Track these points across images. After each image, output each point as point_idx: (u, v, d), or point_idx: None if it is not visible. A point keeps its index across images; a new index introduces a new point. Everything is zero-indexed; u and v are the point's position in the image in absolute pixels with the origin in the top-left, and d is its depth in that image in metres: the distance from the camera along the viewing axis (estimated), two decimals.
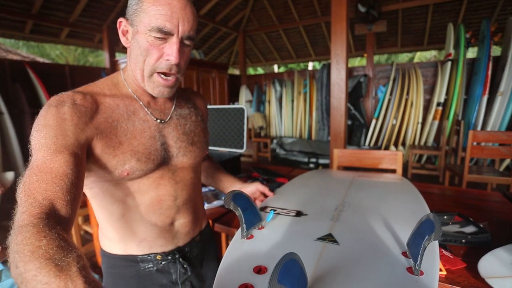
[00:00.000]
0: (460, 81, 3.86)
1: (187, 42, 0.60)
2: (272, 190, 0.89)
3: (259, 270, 0.45)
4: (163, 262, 0.70)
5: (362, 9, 4.51)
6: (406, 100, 4.44)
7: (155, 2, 0.55)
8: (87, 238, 2.35)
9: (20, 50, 9.01)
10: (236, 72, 7.84)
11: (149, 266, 0.69)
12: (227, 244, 0.56)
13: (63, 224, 0.42)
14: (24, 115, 3.19)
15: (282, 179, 1.49)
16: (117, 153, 0.58)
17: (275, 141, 5.37)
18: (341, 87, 2.56)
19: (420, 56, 10.64)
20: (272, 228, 0.62)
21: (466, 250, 0.82)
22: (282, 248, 0.52)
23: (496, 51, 4.05)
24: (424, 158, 4.31)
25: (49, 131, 0.50)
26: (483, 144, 2.87)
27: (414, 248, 0.45)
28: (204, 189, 1.32)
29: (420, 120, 4.35)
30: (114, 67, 4.41)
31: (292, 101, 5.59)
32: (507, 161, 3.49)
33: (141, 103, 0.65)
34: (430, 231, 0.40)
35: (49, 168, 0.46)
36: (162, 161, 0.65)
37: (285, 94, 5.61)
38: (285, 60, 7.19)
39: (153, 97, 0.67)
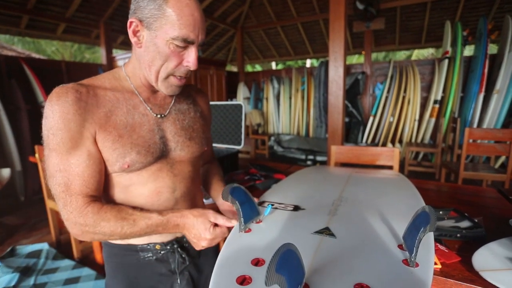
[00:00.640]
0: (457, 78, 3.88)
1: (199, 47, 0.63)
2: (269, 186, 0.89)
3: (257, 262, 0.46)
4: (162, 252, 0.72)
5: (360, 6, 4.50)
6: (403, 97, 4.46)
7: (180, 12, 0.56)
8: None
9: (15, 46, 8.90)
10: (234, 69, 7.82)
11: (149, 255, 0.71)
12: (225, 238, 0.57)
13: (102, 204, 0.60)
14: (20, 111, 3.17)
15: (279, 175, 1.49)
16: (116, 146, 0.60)
17: (272, 138, 5.37)
18: (339, 84, 2.57)
19: (418, 53, 10.67)
20: (269, 222, 0.62)
21: (461, 245, 0.83)
22: (280, 241, 0.53)
23: (493, 49, 4.08)
24: (420, 155, 4.34)
25: (64, 134, 0.56)
26: (479, 141, 2.89)
27: (409, 240, 0.45)
28: None
29: (417, 117, 4.38)
30: (111, 63, 4.38)
31: (290, 98, 5.59)
32: (502, 158, 3.53)
33: (141, 98, 0.66)
34: (426, 223, 0.40)
35: (77, 173, 0.57)
36: (161, 154, 0.67)
37: (283, 91, 5.61)
38: (283, 57, 7.18)
39: (153, 93, 0.69)
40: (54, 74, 3.68)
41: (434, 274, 0.71)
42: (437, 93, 4.13)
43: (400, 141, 4.54)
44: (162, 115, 0.69)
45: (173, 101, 0.73)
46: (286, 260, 0.32)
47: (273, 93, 5.75)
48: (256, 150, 5.38)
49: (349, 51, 6.26)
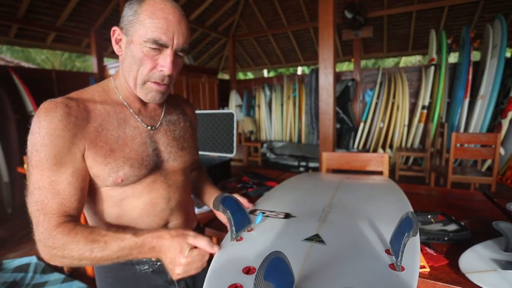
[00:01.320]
0: (443, 85, 3.99)
1: (180, 54, 0.62)
2: (261, 194, 0.90)
3: (248, 270, 0.47)
4: (158, 263, 0.71)
5: (348, 15, 4.63)
6: (393, 103, 4.56)
7: (152, 15, 0.57)
8: None
9: (3, 54, 8.78)
10: (226, 77, 7.86)
11: (145, 267, 0.70)
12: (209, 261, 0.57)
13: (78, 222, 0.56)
14: (8, 121, 3.11)
15: (271, 182, 1.51)
16: (109, 160, 0.59)
17: (265, 145, 5.39)
18: (329, 91, 2.61)
19: (406, 60, 10.95)
20: (261, 230, 0.63)
21: (449, 247, 0.85)
22: (271, 249, 0.54)
23: (476, 56, 4.23)
24: (410, 160, 4.42)
25: (47, 150, 0.54)
26: (466, 145, 2.97)
27: (395, 245, 0.47)
28: None
29: (406, 123, 4.47)
30: (102, 72, 4.36)
31: (282, 105, 5.65)
32: (488, 162, 3.62)
33: (131, 110, 0.66)
34: (410, 228, 0.42)
35: (56, 190, 0.54)
36: (155, 166, 0.67)
37: (274, 99, 5.66)
38: (274, 64, 7.27)
39: (143, 104, 0.69)
40: (44, 83, 3.64)
41: (423, 277, 0.73)
42: (424, 99, 4.24)
43: (391, 146, 4.62)
44: (154, 127, 0.69)
45: (163, 112, 0.73)
46: (275, 267, 0.33)
47: (265, 100, 5.80)
48: (249, 157, 5.39)
49: (339, 58, 6.39)
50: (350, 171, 1.72)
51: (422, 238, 0.90)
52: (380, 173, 1.66)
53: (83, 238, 0.51)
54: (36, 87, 3.46)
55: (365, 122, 4.76)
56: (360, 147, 4.80)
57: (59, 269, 1.96)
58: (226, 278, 0.45)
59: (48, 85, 3.67)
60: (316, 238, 0.57)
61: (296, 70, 9.96)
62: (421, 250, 0.84)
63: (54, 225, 0.52)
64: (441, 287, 0.70)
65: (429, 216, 1.03)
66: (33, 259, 2.01)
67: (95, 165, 0.59)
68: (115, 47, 0.62)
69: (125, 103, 0.66)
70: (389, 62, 11.19)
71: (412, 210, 0.75)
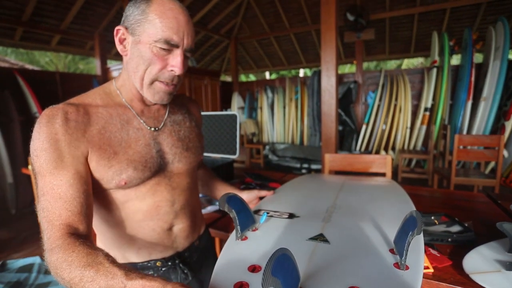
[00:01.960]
0: (445, 87, 3.99)
1: (188, 54, 0.62)
2: None
3: (254, 269, 0.47)
4: (163, 269, 0.69)
5: (350, 17, 4.64)
6: (395, 105, 4.56)
7: (162, 15, 0.57)
8: None
9: (8, 57, 8.87)
10: (228, 79, 7.89)
11: (150, 273, 0.68)
12: (221, 248, 0.57)
13: (83, 236, 0.52)
14: (13, 123, 3.14)
15: (274, 184, 1.51)
16: (112, 163, 0.59)
17: (267, 147, 5.40)
18: (332, 93, 2.62)
19: (408, 63, 10.95)
20: (265, 230, 0.63)
21: (452, 249, 0.85)
22: (276, 248, 0.54)
23: (478, 58, 4.22)
24: (413, 162, 4.40)
25: (47, 155, 0.53)
26: (469, 147, 2.96)
27: (400, 244, 0.47)
28: None
29: (409, 125, 4.46)
30: (105, 74, 4.39)
31: (284, 107, 5.66)
32: (492, 164, 3.60)
33: (134, 112, 0.65)
34: (414, 227, 0.42)
35: (58, 194, 0.53)
36: (159, 168, 0.66)
37: (276, 101, 5.67)
38: (277, 67, 7.29)
39: (146, 105, 0.68)
40: (48, 85, 3.68)
41: (427, 278, 0.73)
42: (427, 101, 4.23)
43: (393, 149, 4.61)
44: (157, 128, 0.68)
45: (167, 113, 0.72)
46: (281, 264, 0.34)
47: (267, 102, 5.81)
48: (251, 159, 5.39)
49: (341, 60, 6.40)
50: (353, 172, 1.72)
51: (425, 239, 0.90)
52: (383, 174, 1.66)
53: (77, 259, 0.46)
54: (41, 89, 3.49)
55: (367, 124, 4.76)
56: (363, 149, 4.80)
57: None
58: (232, 276, 0.45)
59: (52, 87, 3.71)
60: (320, 238, 0.57)
61: (298, 73, 9.98)
62: (425, 251, 0.84)
63: (56, 236, 0.50)
64: (445, 287, 0.70)
65: (432, 218, 1.03)
66: (36, 260, 2.02)
67: (99, 168, 0.58)
68: (119, 47, 0.61)
69: (128, 105, 0.65)
70: (391, 64, 11.19)
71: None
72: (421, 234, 0.56)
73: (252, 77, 11.33)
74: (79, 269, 0.44)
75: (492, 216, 1.09)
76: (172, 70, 0.60)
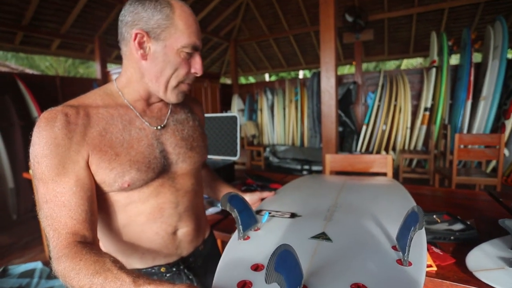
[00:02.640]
0: (445, 86, 3.99)
1: None
2: None
3: (257, 267, 0.47)
4: (167, 274, 0.68)
5: (349, 18, 4.66)
6: (395, 106, 4.56)
7: (187, 20, 0.59)
8: None
9: (8, 62, 8.90)
10: (228, 81, 7.91)
11: (154, 278, 0.68)
12: (223, 249, 0.57)
13: (89, 244, 0.52)
14: (14, 127, 3.15)
15: (275, 185, 1.51)
16: (114, 165, 0.57)
17: (268, 149, 5.40)
18: (331, 94, 2.62)
19: (407, 63, 10.97)
20: (267, 230, 0.63)
21: (455, 247, 0.85)
22: None
23: (477, 57, 4.23)
24: (414, 162, 4.40)
25: (48, 161, 0.52)
26: (469, 146, 2.96)
27: (402, 240, 0.47)
28: None
29: (409, 125, 4.46)
30: (106, 78, 4.40)
31: (284, 109, 5.66)
32: (493, 163, 3.60)
33: (136, 112, 0.64)
34: (416, 222, 0.42)
35: (62, 202, 0.52)
36: (162, 169, 0.64)
37: (276, 103, 5.68)
38: (276, 69, 7.31)
39: (148, 105, 0.67)
40: (49, 90, 3.69)
41: (430, 276, 0.73)
42: (427, 100, 4.23)
43: (394, 149, 4.60)
44: (160, 127, 0.66)
45: (169, 112, 0.70)
46: (284, 259, 0.34)
47: (267, 104, 5.82)
48: (252, 161, 5.39)
49: (340, 61, 6.42)
50: (354, 173, 1.72)
51: (428, 237, 0.90)
52: (384, 174, 1.65)
53: (85, 267, 0.46)
54: (41, 93, 3.50)
55: (367, 125, 4.76)
56: (363, 150, 4.79)
57: None
58: (235, 275, 0.45)
59: (52, 91, 3.72)
60: (322, 236, 0.57)
61: (298, 74, 10.00)
62: (428, 249, 0.84)
63: (62, 245, 0.50)
64: (449, 285, 0.70)
65: (434, 216, 1.03)
66: (38, 265, 2.02)
67: (100, 171, 0.57)
68: (139, 51, 0.59)
69: (130, 105, 0.64)
70: (391, 64, 11.21)
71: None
72: (423, 231, 0.56)
73: (251, 79, 11.35)
74: (88, 277, 0.45)
75: (494, 214, 1.09)
76: (194, 72, 0.64)
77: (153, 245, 0.66)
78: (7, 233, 2.80)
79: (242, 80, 10.26)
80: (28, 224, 3.01)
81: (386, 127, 4.60)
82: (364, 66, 9.62)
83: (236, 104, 6.19)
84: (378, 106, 4.72)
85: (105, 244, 0.67)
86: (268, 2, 5.58)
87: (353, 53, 5.26)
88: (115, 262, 0.47)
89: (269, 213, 0.71)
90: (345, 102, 5.04)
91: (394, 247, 0.51)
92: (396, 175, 3.99)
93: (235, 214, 0.57)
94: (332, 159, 1.77)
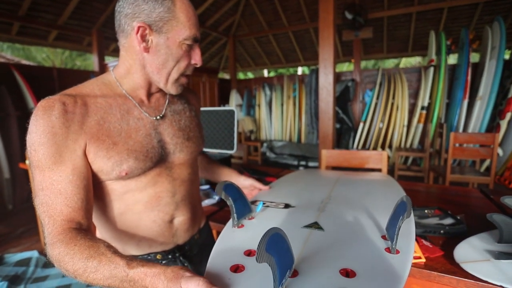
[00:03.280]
0: (442, 86, 4.02)
1: None
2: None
3: (249, 253, 0.48)
4: (163, 262, 0.69)
5: (349, 16, 4.65)
6: (392, 104, 4.58)
7: (187, 13, 0.60)
8: None
9: (4, 52, 8.79)
10: (227, 76, 7.88)
11: None
12: None
13: (84, 231, 0.52)
14: (10, 117, 3.13)
15: (271, 178, 1.52)
16: (111, 154, 0.58)
17: (265, 144, 5.41)
18: (329, 90, 2.64)
19: (406, 62, 10.99)
20: (261, 219, 0.65)
21: (445, 240, 0.87)
22: None
23: (475, 57, 4.26)
24: (410, 160, 4.44)
25: (45, 149, 0.52)
26: (464, 145, 2.99)
27: (391, 229, 0.49)
28: None
29: (406, 123, 4.49)
30: (103, 70, 4.37)
31: (282, 105, 5.67)
32: (487, 162, 3.64)
33: (134, 102, 0.64)
34: (404, 211, 0.44)
35: (58, 190, 0.53)
36: (160, 158, 0.65)
37: (274, 98, 5.68)
38: (275, 64, 7.29)
39: (146, 95, 0.67)
40: (46, 81, 3.66)
41: (419, 267, 0.75)
42: (424, 99, 4.26)
43: (390, 146, 4.64)
44: (158, 117, 0.67)
45: (167, 102, 0.71)
46: (275, 242, 0.35)
47: (265, 100, 5.82)
48: (249, 156, 5.40)
49: (339, 59, 6.41)
50: (350, 168, 1.74)
51: (419, 231, 0.92)
52: (379, 170, 1.68)
53: (79, 252, 0.47)
54: (38, 84, 3.47)
55: (364, 122, 4.78)
56: (360, 147, 4.82)
57: None
58: (228, 259, 0.47)
59: (49, 83, 3.69)
60: (315, 225, 0.59)
61: (297, 71, 9.99)
62: (418, 242, 0.86)
63: (57, 231, 0.50)
64: (436, 276, 0.72)
65: (426, 211, 1.05)
66: (34, 254, 2.03)
67: (97, 160, 0.57)
68: (142, 44, 0.59)
69: (128, 96, 0.65)
70: (389, 63, 11.23)
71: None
72: (413, 223, 0.58)
73: (250, 75, 11.32)
74: (82, 261, 0.46)
75: (485, 210, 1.11)
76: (194, 63, 0.65)
77: (149, 233, 0.67)
78: (3, 223, 2.80)
79: (241, 76, 10.23)
80: (24, 214, 3.01)
81: (383, 124, 4.63)
82: (363, 64, 9.62)
83: (234, 99, 6.18)
84: (376, 104, 4.74)
85: (102, 231, 0.68)
86: None
87: (352, 51, 5.26)
88: (109, 247, 0.48)
89: (264, 203, 0.72)
90: (343, 99, 5.06)
91: (383, 237, 0.53)
92: (391, 173, 4.03)
93: (230, 202, 0.59)
94: (328, 155, 1.79)
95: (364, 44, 5.72)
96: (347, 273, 0.42)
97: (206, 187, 1.41)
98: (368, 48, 5.91)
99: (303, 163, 4.83)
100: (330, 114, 2.67)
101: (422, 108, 4.28)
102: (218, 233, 1.34)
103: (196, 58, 0.65)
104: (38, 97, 3.23)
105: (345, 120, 5.06)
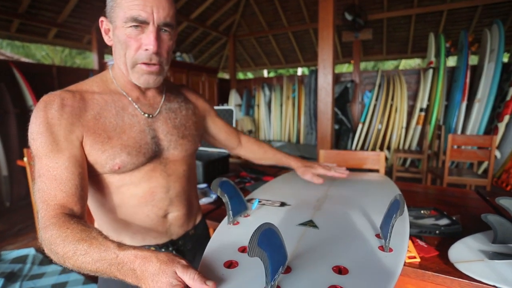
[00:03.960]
0: (441, 88, 4.03)
1: (166, 29, 0.60)
2: (256, 188, 0.93)
3: (244, 249, 0.49)
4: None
5: (349, 17, 4.66)
6: (391, 105, 4.60)
7: None
8: None
9: (4, 50, 8.77)
10: (226, 76, 7.89)
11: None
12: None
13: (77, 217, 0.53)
14: (8, 115, 3.12)
15: (269, 177, 1.53)
16: (106, 148, 0.60)
17: None
18: (328, 91, 2.64)
19: (405, 63, 11.02)
20: (257, 216, 0.65)
21: (440, 240, 0.88)
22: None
23: (474, 60, 4.27)
24: (408, 162, 4.45)
25: (43, 138, 0.55)
26: (463, 147, 3.00)
27: (385, 228, 0.49)
28: None
29: (404, 125, 4.50)
30: (103, 68, 4.37)
31: (281, 105, 5.67)
32: (485, 165, 3.66)
33: (129, 98, 0.66)
34: (397, 209, 0.44)
35: (53, 176, 0.54)
36: (154, 154, 0.67)
37: (274, 99, 5.69)
38: (274, 65, 7.30)
39: (142, 92, 0.68)
40: (45, 79, 3.65)
41: (413, 267, 0.75)
42: (422, 101, 4.27)
43: (388, 148, 4.65)
44: (152, 115, 0.68)
45: (163, 100, 0.72)
46: (268, 237, 0.35)
47: (264, 100, 5.82)
48: None
49: (339, 60, 6.42)
50: (347, 169, 1.74)
51: (414, 231, 0.93)
52: (377, 171, 1.68)
53: (71, 234, 0.47)
54: (37, 82, 3.47)
55: (363, 124, 4.79)
56: (358, 148, 4.83)
57: None
58: (223, 255, 0.47)
59: (49, 81, 3.69)
60: (310, 224, 0.59)
61: (296, 71, 10.00)
62: (413, 242, 0.87)
63: (50, 215, 0.51)
64: (431, 276, 0.73)
65: (422, 211, 1.06)
66: (31, 251, 2.02)
67: (92, 152, 0.60)
68: (105, 38, 0.64)
69: (123, 92, 0.66)
70: (389, 65, 11.25)
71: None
72: (407, 221, 0.58)
73: (250, 75, 11.32)
74: (73, 243, 0.45)
75: (480, 211, 1.12)
76: (146, 49, 0.58)
77: (143, 226, 0.69)
78: (0, 220, 2.79)
79: (240, 76, 10.23)
80: (21, 211, 3.01)
81: (381, 126, 4.64)
82: (363, 65, 9.65)
83: (234, 99, 6.18)
84: (375, 105, 4.75)
85: (99, 222, 0.70)
86: None
87: (352, 52, 5.27)
88: (101, 233, 0.48)
89: (259, 201, 0.72)
90: (342, 100, 5.07)
91: (377, 235, 0.53)
92: (389, 174, 4.04)
93: (225, 199, 0.59)
94: (326, 155, 1.79)
95: (363, 46, 5.73)
96: (340, 270, 0.42)
97: (203, 185, 1.42)
98: (367, 49, 5.92)
99: None
100: (329, 114, 2.67)
101: (421, 110, 4.29)
102: (214, 230, 1.34)
103: (145, 42, 0.58)
104: (37, 95, 3.22)
105: (344, 121, 5.07)
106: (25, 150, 1.84)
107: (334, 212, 0.67)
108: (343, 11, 4.70)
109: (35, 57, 9.68)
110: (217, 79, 5.41)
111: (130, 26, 0.57)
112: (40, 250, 2.09)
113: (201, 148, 1.86)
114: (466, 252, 0.75)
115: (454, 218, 0.97)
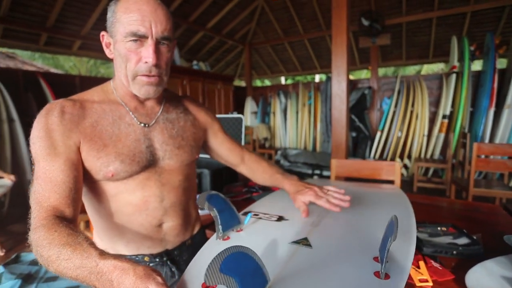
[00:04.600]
0: (465, 93, 3.81)
1: (164, 42, 0.63)
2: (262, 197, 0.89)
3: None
4: (151, 264, 0.70)
5: (365, 22, 4.57)
6: (411, 112, 4.41)
7: (126, 10, 0.59)
8: None
9: (35, 61, 9.39)
10: (243, 84, 7.96)
11: None
12: None
13: (68, 220, 0.54)
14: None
15: (277, 188, 1.48)
16: (101, 155, 0.62)
17: (279, 152, 5.36)
18: (342, 98, 2.57)
19: (427, 68, 10.61)
20: (250, 231, 0.62)
21: (457, 262, 0.80)
22: (257, 250, 0.52)
23: (502, 63, 4.02)
24: (430, 171, 4.22)
25: (42, 142, 0.58)
26: (491, 157, 2.80)
27: (382, 251, 0.44)
28: None
29: (426, 132, 4.29)
30: None
31: (297, 113, 5.61)
32: None
33: (127, 108, 0.68)
34: (392, 233, 0.40)
35: (49, 178, 0.56)
36: (148, 163, 0.67)
37: (290, 106, 5.64)
38: (291, 72, 7.28)
39: (140, 102, 0.70)
40: (68, 88, 3.85)
41: None
42: (445, 107, 4.06)
43: (409, 157, 4.44)
44: (148, 125, 0.69)
45: (161, 110, 0.73)
46: (238, 261, 0.32)
47: (280, 107, 5.79)
48: None
49: (356, 66, 6.29)
50: (361, 179, 1.66)
51: (429, 250, 0.85)
52: (392, 182, 1.59)
53: (58, 238, 0.46)
54: (61, 91, 3.65)
55: (382, 131, 4.62)
56: (377, 156, 4.66)
57: None
58: (202, 275, 0.44)
59: (71, 90, 3.88)
60: (303, 242, 0.55)
61: (314, 78, 9.91)
62: (426, 262, 0.79)
63: (42, 217, 0.52)
64: None
65: (438, 228, 0.97)
66: None
67: (88, 158, 0.62)
68: (106, 51, 0.66)
69: (122, 102, 0.69)
70: (410, 70, 10.89)
71: (414, 218, 0.71)
72: (414, 243, 0.53)
73: (267, 82, 11.36)
74: (58, 247, 0.45)
75: (506, 230, 1.01)
76: (146, 62, 0.61)
77: (138, 235, 0.69)
78: (23, 222, 2.92)
79: (258, 83, 10.29)
80: None
81: (401, 134, 4.45)
82: (383, 71, 9.40)
83: (250, 106, 6.20)
84: (394, 112, 4.58)
85: (96, 229, 0.72)
86: (283, 6, 5.57)
87: (369, 58, 5.15)
88: (87, 239, 0.48)
89: (252, 214, 0.69)
90: (359, 107, 4.93)
91: (376, 258, 0.48)
92: (410, 184, 3.84)
93: (214, 213, 0.56)
94: (338, 164, 1.72)
95: (382, 51, 5.58)
96: None
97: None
98: (386, 55, 5.76)
99: (317, 172, 4.72)
100: (343, 122, 2.59)
101: (444, 116, 4.08)
102: None
103: (145, 55, 0.60)
104: None
105: (361, 129, 4.92)
106: None
107: (332, 230, 0.62)
108: (359, 17, 4.61)
109: (63, 68, 10.29)
110: (233, 87, 5.45)
111: (130, 40, 0.60)
112: None
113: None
114: (486, 278, 0.67)
115: (474, 237, 0.88)
